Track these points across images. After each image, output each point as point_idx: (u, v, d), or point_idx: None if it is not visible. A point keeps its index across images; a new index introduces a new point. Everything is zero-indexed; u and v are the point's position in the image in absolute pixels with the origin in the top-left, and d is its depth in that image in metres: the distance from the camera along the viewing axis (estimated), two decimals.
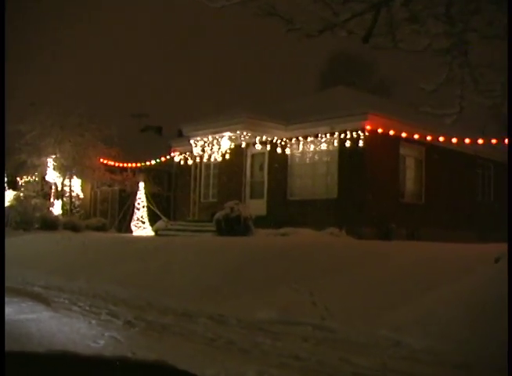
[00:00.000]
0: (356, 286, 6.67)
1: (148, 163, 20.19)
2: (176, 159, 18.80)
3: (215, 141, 16.44)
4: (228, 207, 13.38)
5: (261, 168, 16.63)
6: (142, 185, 18.57)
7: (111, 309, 6.90)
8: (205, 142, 16.72)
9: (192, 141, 16.88)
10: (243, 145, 16.15)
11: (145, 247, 10.81)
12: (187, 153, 18.27)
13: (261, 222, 13.72)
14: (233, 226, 12.99)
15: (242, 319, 5.95)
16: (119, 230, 18.80)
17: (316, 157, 15.40)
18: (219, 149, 16.58)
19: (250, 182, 16.50)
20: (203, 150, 16.97)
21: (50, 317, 6.18)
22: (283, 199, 15.73)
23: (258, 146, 15.82)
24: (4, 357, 1.21)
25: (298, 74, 37.77)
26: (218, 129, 15.79)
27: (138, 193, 18.43)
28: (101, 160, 19.78)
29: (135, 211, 18.35)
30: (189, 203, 17.51)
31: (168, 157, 19.37)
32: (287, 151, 15.81)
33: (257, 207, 15.34)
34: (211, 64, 47.72)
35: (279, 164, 16.03)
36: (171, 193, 20.79)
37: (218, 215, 13.42)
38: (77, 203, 20.34)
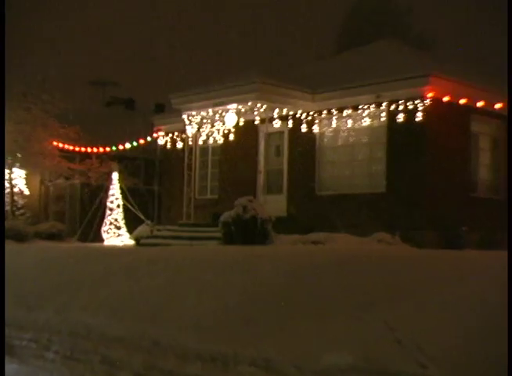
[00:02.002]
0: (450, 314, 6.15)
1: (121, 147, 20.36)
2: (160, 141, 19.11)
3: (217, 116, 16.41)
4: (240, 205, 13.38)
5: (279, 152, 16.89)
6: (115, 177, 18.53)
7: (104, 355, 6.47)
8: (203, 117, 16.67)
9: (184, 116, 16.91)
10: (257, 121, 16.11)
11: (133, 262, 10.42)
12: (176, 134, 18.59)
13: (280, 225, 13.83)
14: (247, 232, 13.07)
15: (302, 367, 5.47)
16: (83, 239, 18.86)
17: (355, 136, 15.43)
18: (223, 127, 16.64)
19: (264, 172, 16.44)
20: (199, 129, 17.03)
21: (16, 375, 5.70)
22: (310, 194, 15.98)
23: (276, 123, 15.84)
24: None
25: (308, 38, 37.54)
26: (221, 100, 15.80)
27: (111, 187, 18.42)
28: (54, 143, 19.96)
29: (107, 212, 18.25)
30: (180, 200, 17.79)
31: (149, 138, 19.67)
32: (315, 129, 15.99)
33: (274, 205, 15.41)
34: (202, 25, 47.42)
35: (303, 146, 16.25)
36: (155, 188, 20.98)
37: (226, 216, 13.43)
38: (20, 202, 20.34)
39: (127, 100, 27.99)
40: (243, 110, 15.78)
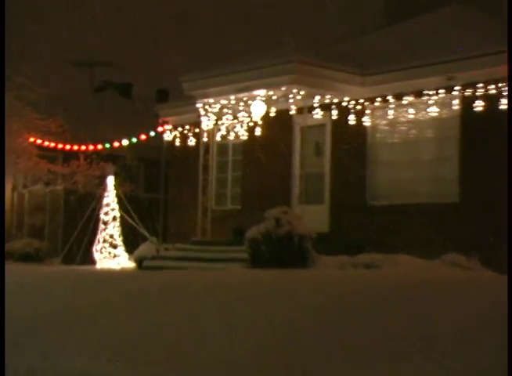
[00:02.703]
0: None
1: (116, 144, 20.35)
2: (167, 137, 19.13)
3: (241, 105, 16.33)
4: (272, 218, 13.74)
5: (320, 150, 16.88)
6: (111, 181, 18.59)
7: None
8: (223, 106, 16.64)
9: (199, 105, 16.87)
10: (292, 111, 16.12)
11: (139, 291, 10.44)
12: (187, 127, 18.58)
13: (321, 243, 14.10)
14: (281, 252, 13.42)
15: None
16: (69, 260, 18.96)
17: (419, 130, 15.32)
18: (248, 118, 16.60)
19: (300, 176, 16.55)
20: (217, 122, 17.09)
21: None
22: (360, 204, 16.01)
23: (317, 114, 15.81)
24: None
25: (347, 8, 37.20)
26: (246, 84, 15.68)
27: (106, 195, 18.50)
28: (31, 139, 20.17)
29: (100, 226, 18.34)
30: (193, 212, 17.85)
31: (152, 134, 19.68)
32: (366, 121, 15.90)
33: (313, 218, 15.56)
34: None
35: (351, 143, 16.22)
36: (160, 196, 20.93)
37: (254, 232, 13.83)
38: None
39: (122, 85, 28.06)
40: (274, 97, 15.74)
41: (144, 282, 11.43)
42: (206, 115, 16.79)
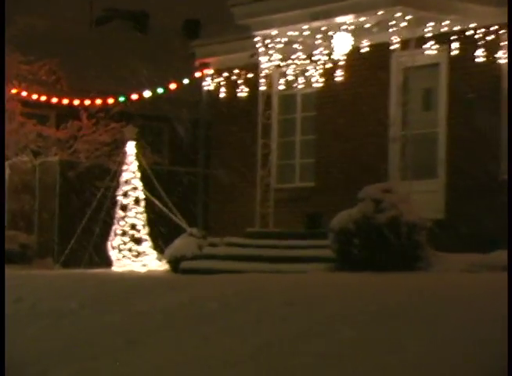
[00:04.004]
0: None
1: (134, 97, 20.23)
2: (208, 86, 19.06)
3: (317, 38, 16.35)
4: (370, 198, 13.83)
5: (431, 102, 17.07)
6: (131, 149, 18.76)
7: None
8: (290, 40, 16.81)
9: (258, 39, 16.87)
10: (393, 45, 15.92)
11: (192, 305, 10.45)
12: (236, 72, 18.43)
13: (436, 235, 14.21)
14: (384, 247, 13.45)
15: None
16: (71, 261, 19.08)
17: None
18: (325, 57, 16.55)
19: (401, 139, 16.51)
20: (279, 65, 17.12)
21: None
22: (491, 180, 16.06)
23: (428, 48, 16.04)
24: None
25: None
26: (326, 7, 15.82)
27: (124, 169, 18.70)
28: (13, 91, 20.43)
29: (117, 213, 18.52)
30: (249, 192, 18.05)
31: (186, 81, 19.48)
32: (501, 58, 15.88)
33: (421, 198, 15.59)
34: None
35: (478, 90, 16.20)
36: (199, 170, 20.91)
37: (344, 218, 13.78)
38: None
39: (133, 15, 28.28)
40: (366, 25, 15.85)
41: (192, 293, 11.28)
42: (266, 53, 16.80)
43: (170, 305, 10.73)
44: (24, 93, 20.52)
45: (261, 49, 16.82)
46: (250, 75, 18.17)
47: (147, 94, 20.14)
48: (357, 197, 13.84)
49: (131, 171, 18.49)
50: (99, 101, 20.67)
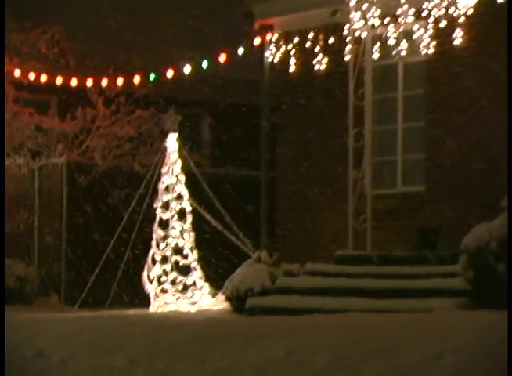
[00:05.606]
0: None
1: (169, 74, 18.63)
2: (270, 55, 17.70)
3: None
4: None
5: None
6: (174, 146, 17.33)
7: None
8: None
9: None
10: None
11: (289, 357, 9.53)
12: (310, 37, 17.16)
13: None
14: None
15: None
16: (87, 300, 18.15)
17: None
18: (445, 10, 15.21)
19: None
20: (373, 25, 16.04)
21: None
22: None
23: None
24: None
25: None
26: None
27: (164, 170, 17.44)
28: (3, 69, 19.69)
29: (154, 231, 17.17)
30: (334, 201, 17.19)
31: (241, 51, 18.07)
32: None
33: None
34: None
35: None
36: (261, 174, 19.56)
37: (483, 234, 12.88)
38: None
39: None
40: None
41: (282, 342, 9.77)
42: (357, 8, 15.50)
43: (259, 358, 9.62)
44: (17, 72, 19.32)
45: (351, 2, 15.29)
46: (331, 40, 16.49)
47: (187, 70, 18.18)
48: (499, 206, 12.46)
49: (173, 173, 17.15)
50: (119, 80, 19.01)
